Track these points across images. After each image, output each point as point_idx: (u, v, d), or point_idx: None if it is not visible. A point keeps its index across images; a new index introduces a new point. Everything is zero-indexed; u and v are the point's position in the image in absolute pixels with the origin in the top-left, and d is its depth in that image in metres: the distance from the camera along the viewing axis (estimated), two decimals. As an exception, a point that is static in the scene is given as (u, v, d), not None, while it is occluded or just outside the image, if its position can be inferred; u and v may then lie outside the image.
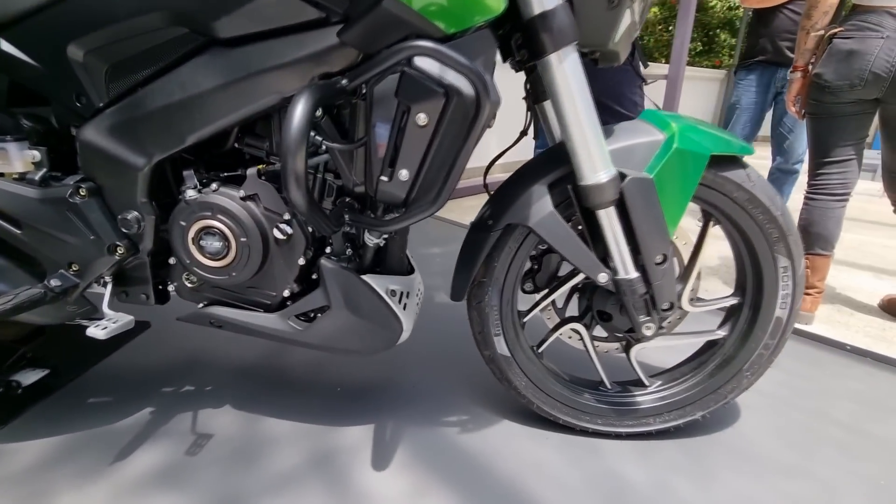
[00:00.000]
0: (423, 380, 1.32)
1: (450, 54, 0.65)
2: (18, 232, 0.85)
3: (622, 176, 0.83)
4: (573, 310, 1.13)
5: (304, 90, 0.63)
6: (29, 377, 1.26)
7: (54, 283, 0.86)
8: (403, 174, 0.74)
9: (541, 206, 0.88)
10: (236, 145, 0.88)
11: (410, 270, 1.04)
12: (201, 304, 0.97)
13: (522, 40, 0.77)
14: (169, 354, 1.41)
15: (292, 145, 0.61)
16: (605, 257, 0.90)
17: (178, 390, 1.27)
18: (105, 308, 0.89)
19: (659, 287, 0.89)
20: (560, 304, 1.13)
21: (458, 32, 0.70)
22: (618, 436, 1.10)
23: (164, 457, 1.03)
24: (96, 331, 0.84)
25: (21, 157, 0.85)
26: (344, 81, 0.73)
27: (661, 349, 1.13)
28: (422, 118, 0.69)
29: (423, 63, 0.68)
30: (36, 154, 0.86)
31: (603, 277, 0.89)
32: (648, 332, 0.94)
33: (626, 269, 0.88)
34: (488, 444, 1.09)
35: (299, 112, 0.62)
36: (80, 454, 1.04)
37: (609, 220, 0.85)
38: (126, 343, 1.46)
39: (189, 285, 0.94)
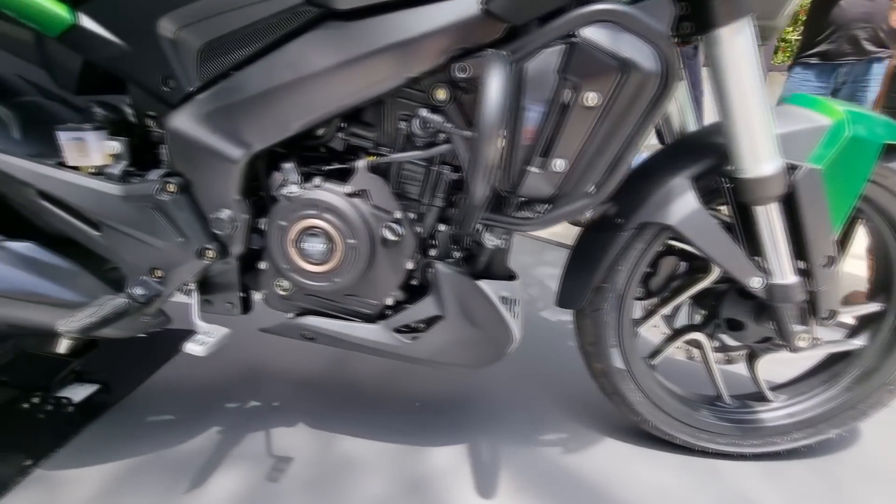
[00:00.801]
0: (505, 394, 1.21)
1: (644, 21, 0.55)
2: (97, 234, 0.75)
3: (789, 168, 0.73)
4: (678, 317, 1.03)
5: (495, 66, 0.52)
6: (79, 393, 1.16)
7: (138, 291, 0.75)
8: (559, 164, 0.64)
9: (684, 202, 0.78)
10: (339, 135, 0.78)
11: (513, 275, 0.94)
12: (291, 314, 0.86)
13: (689, 10, 0.67)
14: (223, 365, 1.31)
15: (490, 129, 0.51)
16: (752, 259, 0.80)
17: (243, 406, 1.16)
18: (197, 320, 0.78)
19: (823, 293, 0.79)
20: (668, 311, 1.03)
21: (632, -2, 0.60)
22: (741, 456, 1.00)
23: (244, 483, 0.93)
24: (195, 347, 0.73)
25: (100, 149, 0.75)
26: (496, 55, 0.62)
27: (774, 360, 1.03)
28: (591, 97, 0.59)
29: (597, 33, 0.58)
30: (116, 145, 0.76)
31: (756, 282, 0.79)
32: (803, 344, 0.84)
33: (784, 273, 0.78)
34: (599, 466, 0.98)
35: (497, 89, 0.51)
36: (148, 480, 0.93)
37: (769, 217, 0.75)
38: (175, 354, 1.36)
39: (281, 293, 0.83)
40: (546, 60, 0.61)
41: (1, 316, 0.76)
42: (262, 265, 0.83)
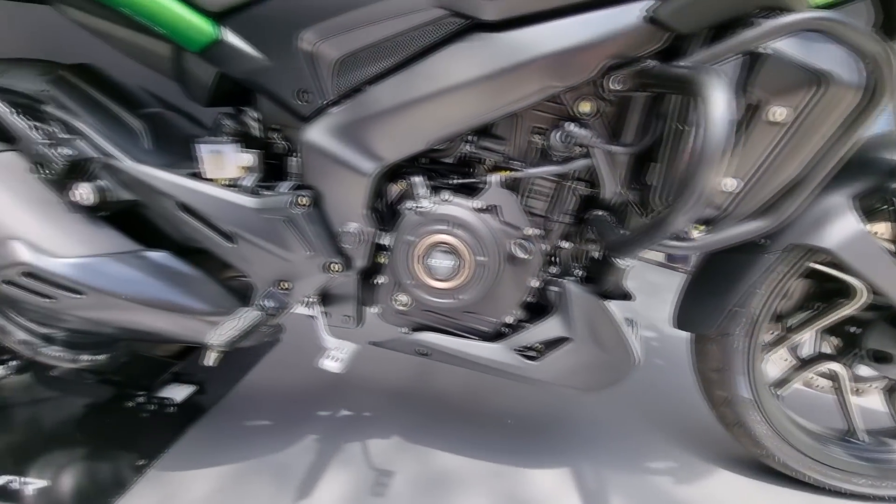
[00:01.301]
0: (603, 415, 1.16)
1: (858, 31, 0.50)
2: (231, 245, 0.76)
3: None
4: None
5: (716, 81, 0.48)
6: (179, 393, 1.19)
7: (269, 303, 0.76)
8: (730, 183, 0.59)
9: (844, 223, 0.71)
10: (467, 147, 0.76)
11: (628, 294, 0.89)
12: (405, 329, 0.85)
13: (882, 15, 0.60)
14: (308, 371, 1.31)
15: (714, 153, 0.47)
16: None
17: (335, 414, 1.17)
18: (326, 335, 0.78)
19: None
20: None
21: (827, 4, 0.55)
22: (878, 499, 0.91)
23: (348, 496, 0.92)
24: (332, 364, 0.73)
25: (236, 162, 0.75)
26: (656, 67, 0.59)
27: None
28: (779, 113, 0.55)
29: (791, 43, 0.53)
30: (250, 158, 0.76)
31: None
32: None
33: (963, 305, 0.70)
34: (716, 501, 0.92)
35: (723, 108, 0.47)
36: (254, 486, 0.94)
37: None
38: (262, 358, 1.38)
39: (399, 308, 0.82)
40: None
41: (132, 322, 0.78)
42: (381, 279, 0.82)
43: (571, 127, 0.67)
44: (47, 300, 0.70)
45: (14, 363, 1.30)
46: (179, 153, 0.89)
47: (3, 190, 0.70)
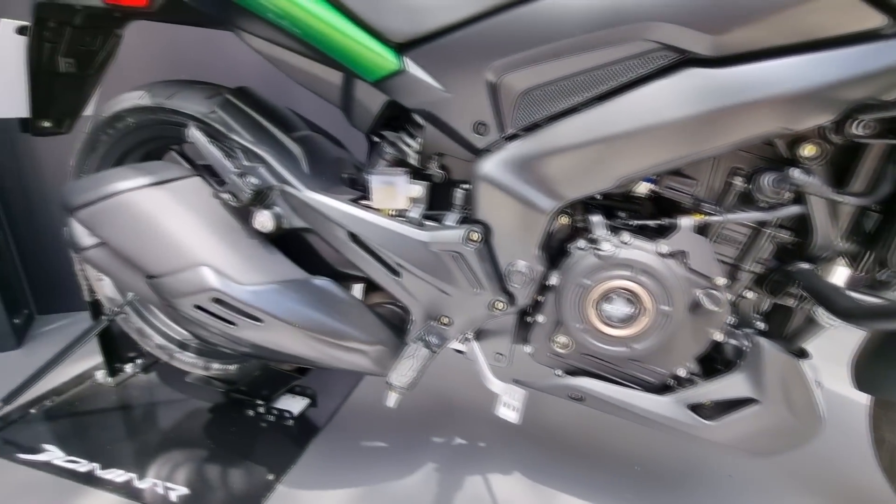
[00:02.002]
0: (746, 473, 1.06)
1: None
2: (397, 278, 0.75)
3: None
4: None
5: None
6: (295, 406, 1.21)
7: (433, 340, 0.74)
8: None
9: None
10: (652, 186, 0.71)
11: (805, 352, 0.81)
12: (558, 371, 0.81)
13: None
14: (415, 392, 1.30)
15: None
16: None
17: (450, 442, 1.14)
18: (493, 377, 0.75)
19: None
20: None
21: None
22: None
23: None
24: (510, 413, 0.70)
25: (406, 193, 0.74)
26: None
27: None
28: None
29: None
30: (419, 189, 0.75)
31: None
32: None
33: None
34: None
35: None
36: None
37: None
38: (364, 376, 1.39)
39: (557, 349, 0.78)
40: None
41: (294, 348, 0.78)
42: (539, 318, 0.78)
43: (794, 173, 0.61)
44: (230, 326, 0.72)
45: (140, 361, 1.38)
46: (331, 176, 0.89)
47: (192, 215, 0.73)
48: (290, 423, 1.18)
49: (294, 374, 1.20)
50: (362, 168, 0.98)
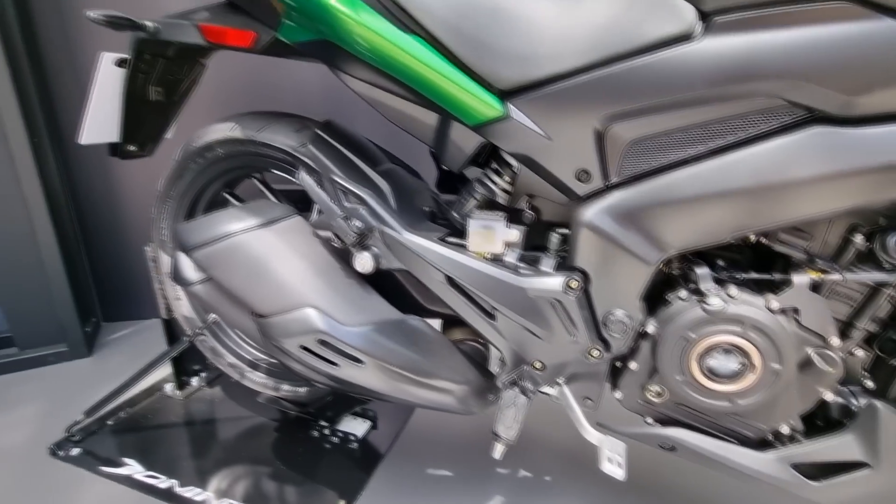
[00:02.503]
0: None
1: None
2: (492, 322, 0.75)
3: None
4: None
5: None
6: (358, 428, 1.23)
7: (528, 385, 0.74)
8: None
9: None
10: (762, 239, 0.69)
11: None
12: (649, 419, 0.79)
13: None
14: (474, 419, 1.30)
15: None
16: None
17: (515, 474, 1.13)
18: (589, 427, 0.75)
19: None
20: None
21: None
22: None
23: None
24: (615, 469, 0.70)
25: (503, 237, 0.74)
26: None
27: None
28: None
29: None
30: (516, 234, 0.75)
31: None
32: None
33: None
34: None
35: None
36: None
37: None
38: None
39: (651, 398, 0.76)
40: None
41: (387, 387, 0.79)
42: (633, 365, 0.77)
43: (931, 237, 0.59)
44: (332, 366, 0.73)
45: (205, 375, 1.43)
46: (415, 211, 0.90)
47: (297, 256, 0.74)
48: (355, 445, 1.19)
49: (359, 396, 1.22)
50: (437, 198, 0.99)
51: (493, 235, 0.74)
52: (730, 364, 0.68)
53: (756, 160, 0.61)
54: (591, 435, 0.74)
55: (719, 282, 0.70)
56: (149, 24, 0.91)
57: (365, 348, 0.72)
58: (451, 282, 0.75)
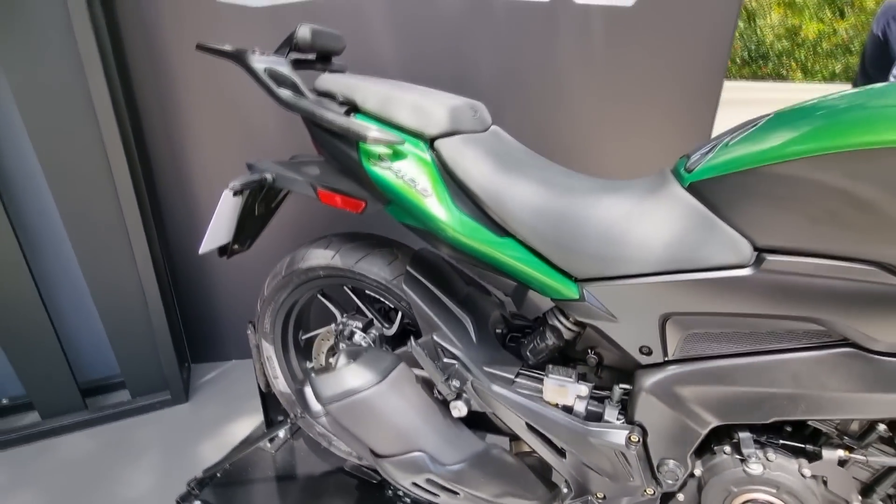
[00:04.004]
0: None
1: None
2: (562, 460, 0.91)
3: None
4: None
5: None
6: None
7: (593, 515, 0.91)
8: None
9: None
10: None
11: None
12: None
13: None
14: None
15: None
16: None
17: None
18: None
19: None
20: None
21: None
22: None
23: None
24: None
25: (575, 392, 0.90)
26: None
27: None
28: None
29: None
30: (585, 390, 0.90)
31: None
32: None
33: None
34: None
35: None
36: None
37: None
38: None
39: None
40: None
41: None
42: (680, 497, 0.92)
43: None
44: (434, 496, 0.91)
45: (288, 427, 1.64)
46: (492, 341, 1.05)
47: (407, 406, 0.92)
48: (426, 508, 1.39)
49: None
50: (507, 318, 1.14)
51: (566, 391, 0.89)
52: (764, 516, 0.83)
53: (795, 366, 0.74)
54: None
55: (758, 442, 0.84)
56: (268, 176, 1.08)
57: (461, 483, 0.89)
58: (530, 426, 0.91)
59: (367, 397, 0.89)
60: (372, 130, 0.84)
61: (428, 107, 0.87)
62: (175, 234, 1.85)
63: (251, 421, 1.72)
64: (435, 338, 0.95)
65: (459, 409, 0.91)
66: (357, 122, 0.86)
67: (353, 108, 0.94)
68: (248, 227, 1.25)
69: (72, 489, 1.44)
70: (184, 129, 1.70)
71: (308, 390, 0.93)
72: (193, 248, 1.87)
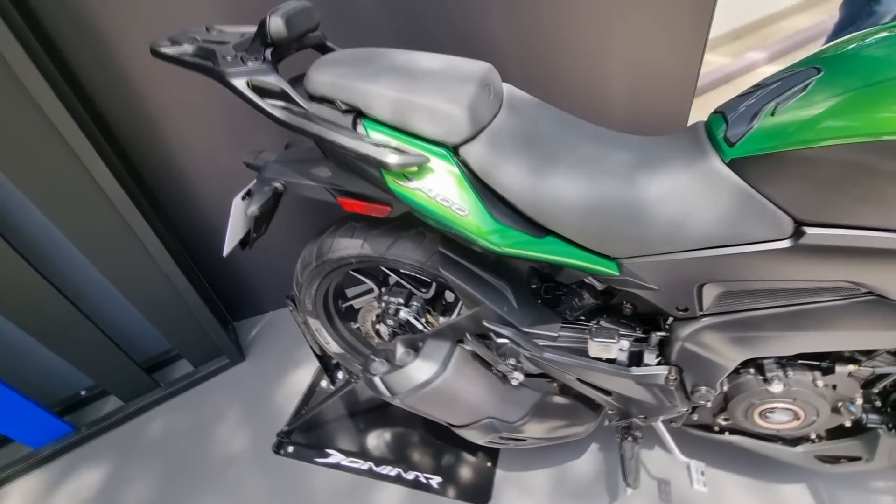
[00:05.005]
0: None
1: None
2: (608, 397, 1.06)
3: None
4: None
5: None
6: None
7: (637, 433, 1.09)
8: None
9: None
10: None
11: None
12: (716, 429, 1.15)
13: None
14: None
15: None
16: None
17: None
18: (680, 454, 1.10)
19: None
20: None
21: None
22: None
23: None
24: (700, 487, 1.07)
25: (618, 347, 1.00)
26: None
27: None
28: None
29: None
30: (625, 345, 1.00)
31: None
32: None
33: None
34: None
35: None
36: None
37: None
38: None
39: (721, 422, 1.11)
40: None
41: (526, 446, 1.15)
42: (709, 405, 1.09)
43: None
44: (504, 445, 1.08)
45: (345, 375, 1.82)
46: (531, 302, 1.12)
47: (470, 383, 1.03)
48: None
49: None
50: (538, 276, 1.19)
51: (609, 349, 0.99)
52: (782, 416, 1.00)
53: (822, 314, 0.82)
54: (680, 457, 1.11)
55: (779, 363, 0.97)
56: (279, 186, 1.03)
57: (525, 432, 1.05)
58: (580, 380, 1.04)
59: (436, 387, 1.00)
60: (394, 156, 0.78)
61: (446, 111, 0.80)
62: (179, 217, 1.81)
63: (306, 366, 1.91)
64: (485, 323, 1.02)
65: (517, 377, 1.03)
66: (375, 148, 0.80)
67: (358, 113, 0.86)
68: (262, 216, 1.23)
69: (178, 456, 1.68)
70: (160, 120, 1.55)
71: (378, 380, 1.04)
72: (200, 225, 1.85)
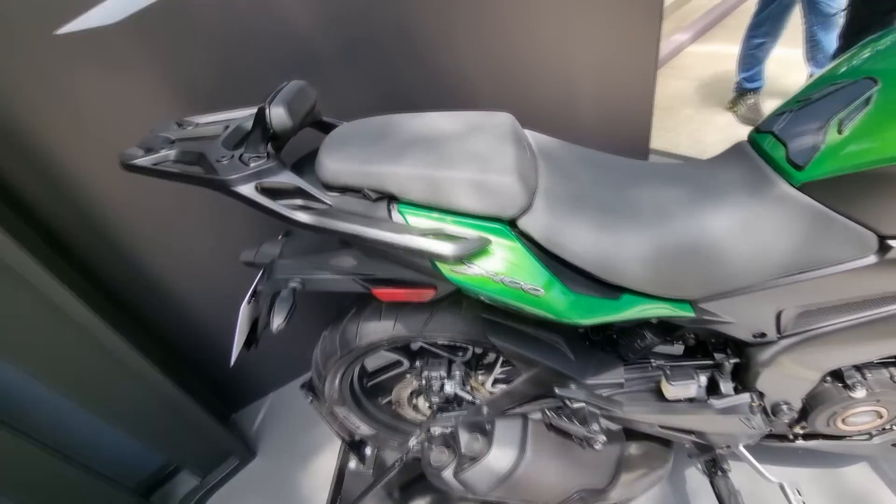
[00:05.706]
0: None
1: None
2: (690, 436, 1.00)
3: None
4: None
5: None
6: None
7: (724, 465, 1.04)
8: None
9: None
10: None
11: None
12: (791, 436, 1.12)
13: None
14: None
15: None
16: None
17: None
18: (770, 476, 1.05)
19: None
20: None
21: None
22: None
23: None
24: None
25: (697, 385, 0.94)
26: None
27: None
28: None
29: None
30: (703, 380, 0.94)
31: None
32: None
33: None
34: None
35: None
36: None
37: None
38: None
39: (798, 430, 1.07)
40: None
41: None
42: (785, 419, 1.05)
43: None
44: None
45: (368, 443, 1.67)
46: (588, 352, 1.05)
47: (553, 456, 0.94)
48: None
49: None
50: None
51: (688, 389, 0.93)
52: (866, 417, 0.97)
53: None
54: (771, 479, 1.07)
55: (857, 368, 0.94)
56: (297, 286, 0.90)
57: (617, 494, 0.98)
58: (662, 426, 0.97)
59: (521, 473, 0.90)
60: (451, 246, 0.68)
61: (497, 184, 0.71)
62: (158, 313, 1.60)
63: (326, 448, 1.74)
64: (557, 391, 0.94)
65: (602, 440, 0.95)
66: (427, 241, 0.69)
67: (390, 197, 0.75)
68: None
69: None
70: (122, 234, 1.37)
71: (449, 477, 0.93)
72: (182, 316, 1.65)
